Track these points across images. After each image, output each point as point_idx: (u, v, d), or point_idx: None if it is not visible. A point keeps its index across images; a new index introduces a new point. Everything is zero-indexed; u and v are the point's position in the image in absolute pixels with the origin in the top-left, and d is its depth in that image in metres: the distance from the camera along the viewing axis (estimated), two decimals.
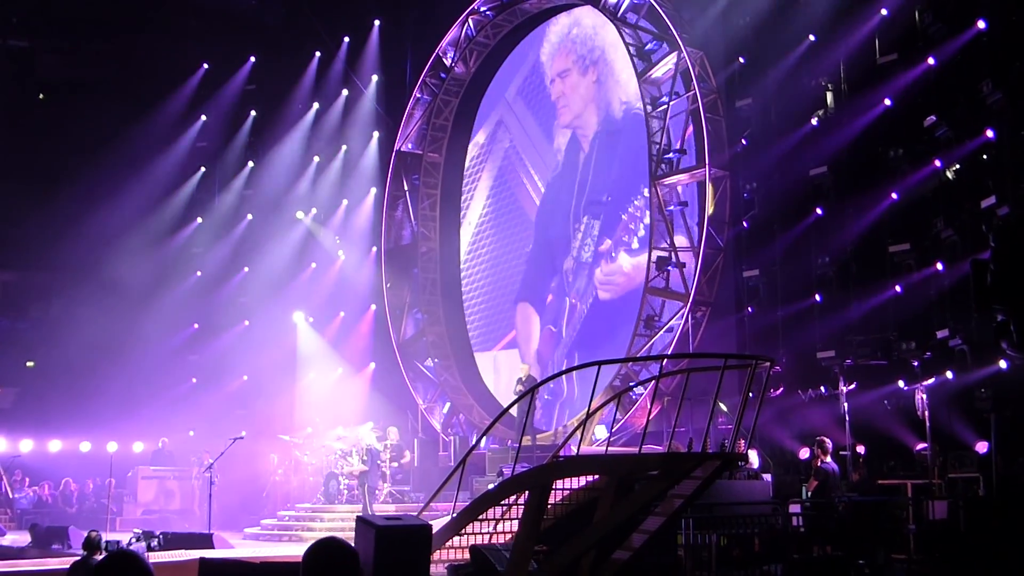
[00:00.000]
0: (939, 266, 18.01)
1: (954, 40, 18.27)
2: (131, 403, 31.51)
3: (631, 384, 22.13)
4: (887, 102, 19.33)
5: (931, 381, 17.10)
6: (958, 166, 18.09)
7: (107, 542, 14.24)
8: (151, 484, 28.09)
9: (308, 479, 22.96)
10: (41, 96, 37.86)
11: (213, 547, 18.75)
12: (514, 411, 20.21)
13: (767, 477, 17.64)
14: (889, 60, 19.52)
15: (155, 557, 14.81)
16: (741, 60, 22.69)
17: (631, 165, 25.34)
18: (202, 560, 13.34)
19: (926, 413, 16.64)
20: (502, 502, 14.95)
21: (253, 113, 34.67)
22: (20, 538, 22.72)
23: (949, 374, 17.33)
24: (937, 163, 18.27)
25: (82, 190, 32.87)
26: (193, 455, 28.54)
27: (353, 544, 10.88)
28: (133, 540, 14.36)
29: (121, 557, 3.96)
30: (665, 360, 17.79)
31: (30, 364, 36.29)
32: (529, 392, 15.76)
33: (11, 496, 29.49)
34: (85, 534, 15.36)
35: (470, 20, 29.42)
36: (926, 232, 18.55)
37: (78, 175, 32.89)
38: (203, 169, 35.41)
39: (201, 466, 24.11)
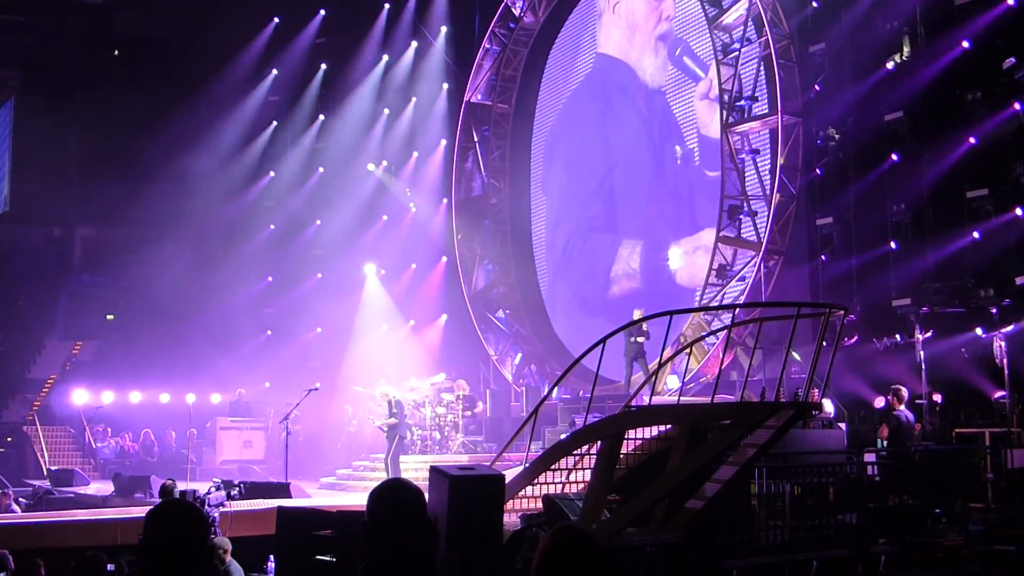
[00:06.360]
0: (1018, 211, 17.68)
1: None
2: (208, 355, 32.01)
3: (703, 334, 22.02)
4: (965, 44, 18.90)
5: (1010, 328, 16.86)
6: None
7: (181, 491, 14.55)
8: (230, 435, 28.58)
9: (381, 428, 23.24)
10: (116, 53, 38.30)
11: (290, 496, 19.06)
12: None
13: (842, 426, 17.50)
14: (966, 1, 19.06)
15: (235, 505, 15.08)
16: (814, 4, 22.27)
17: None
18: (280, 508, 13.61)
19: (1005, 361, 16.41)
20: (574, 452, 15.00)
21: (323, 66, 34.77)
22: (104, 487, 23.30)
23: None
24: (1017, 106, 17.87)
25: (158, 146, 33.28)
26: (270, 406, 28.95)
27: (427, 493, 11.00)
28: (213, 489, 14.60)
29: (173, 506, 4.12)
30: (737, 309, 17.68)
31: (110, 318, 37.05)
32: (601, 342, 15.74)
33: (94, 446, 30.19)
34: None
35: None
36: (1005, 177, 18.21)
37: (153, 132, 33.28)
38: (275, 123, 35.67)
39: (278, 417, 24.45)
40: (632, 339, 21.78)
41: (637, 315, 22.54)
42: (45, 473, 26.97)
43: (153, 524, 3.92)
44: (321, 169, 34.37)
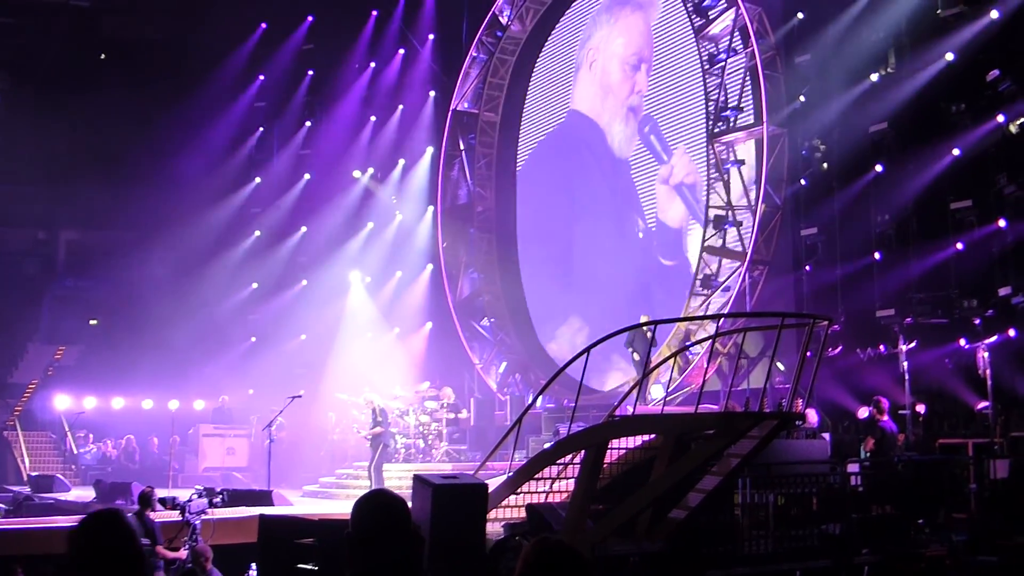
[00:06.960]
0: (1002, 223, 17.76)
1: None
2: (192, 361, 31.93)
3: (688, 344, 22.02)
4: (949, 56, 18.98)
5: (993, 339, 16.91)
6: (1022, 120, 17.77)
7: (162, 498, 14.51)
8: (212, 441, 28.44)
9: (366, 438, 23.19)
10: (103, 56, 38.23)
11: (272, 504, 18.99)
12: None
13: (826, 436, 17.53)
14: (952, 13, 19.12)
15: (217, 513, 15.02)
16: (800, 15, 22.34)
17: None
18: (262, 516, 13.55)
19: (988, 371, 16.47)
20: (558, 461, 14.99)
21: (311, 73, 34.76)
22: (85, 493, 23.18)
23: (1012, 332, 17.12)
24: (1000, 118, 17.94)
25: (144, 150, 33.26)
26: (253, 413, 28.85)
27: (410, 502, 10.98)
28: (195, 496, 14.56)
29: (102, 517, 4.08)
30: (722, 319, 17.66)
31: (94, 322, 36.90)
32: (585, 352, 15.74)
33: (75, 452, 30.02)
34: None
35: None
36: (989, 188, 18.30)
37: (140, 136, 33.21)
38: (261, 129, 35.64)
39: (262, 424, 24.37)
40: (633, 351, 21.24)
41: (644, 319, 22.20)
42: (25, 479, 26.84)
43: (77, 541, 3.89)
44: (307, 176, 34.35)
